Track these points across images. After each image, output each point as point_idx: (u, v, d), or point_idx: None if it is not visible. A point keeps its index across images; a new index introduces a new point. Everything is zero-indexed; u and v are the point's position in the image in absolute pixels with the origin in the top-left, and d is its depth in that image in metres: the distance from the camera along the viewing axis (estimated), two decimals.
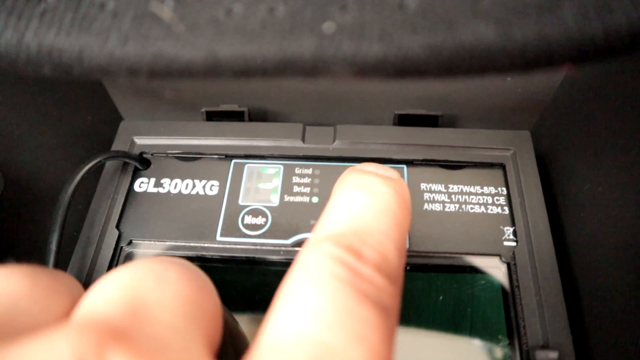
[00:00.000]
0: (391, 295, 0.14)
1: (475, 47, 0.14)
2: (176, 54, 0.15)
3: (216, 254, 0.28)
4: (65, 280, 0.13)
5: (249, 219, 0.29)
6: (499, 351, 0.25)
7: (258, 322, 0.26)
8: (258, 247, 0.28)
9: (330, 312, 0.12)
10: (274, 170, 0.31)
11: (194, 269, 0.14)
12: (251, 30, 0.15)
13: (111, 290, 0.12)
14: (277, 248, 0.28)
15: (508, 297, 0.26)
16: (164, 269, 0.13)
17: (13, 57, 0.16)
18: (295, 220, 0.29)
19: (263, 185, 0.30)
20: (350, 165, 0.30)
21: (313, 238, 0.15)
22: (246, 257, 0.28)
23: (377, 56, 0.15)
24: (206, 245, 0.28)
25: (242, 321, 0.26)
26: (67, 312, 0.12)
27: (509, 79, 0.31)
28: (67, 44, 0.16)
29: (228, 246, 0.28)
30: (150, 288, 0.12)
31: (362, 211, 0.16)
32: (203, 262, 0.28)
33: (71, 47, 0.16)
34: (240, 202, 0.30)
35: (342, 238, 0.14)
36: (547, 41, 0.14)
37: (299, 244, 0.28)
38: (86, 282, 0.27)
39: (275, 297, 0.13)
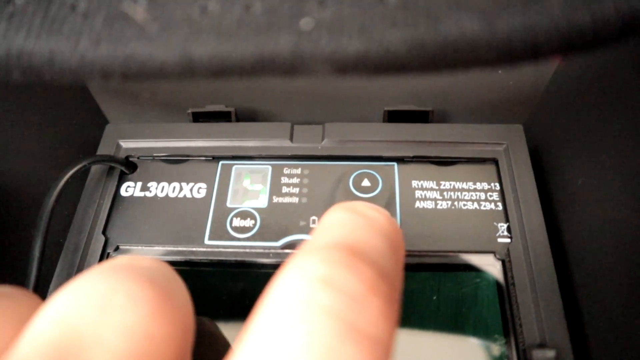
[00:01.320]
0: (387, 320, 0.12)
1: (459, 41, 0.14)
2: (149, 55, 0.15)
3: (204, 258, 0.27)
4: (10, 305, 0.13)
5: (237, 222, 0.28)
6: (495, 350, 0.24)
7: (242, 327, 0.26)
8: (247, 250, 0.27)
9: (308, 354, 0.11)
10: (262, 171, 0.30)
11: (152, 279, 0.13)
12: (227, 29, 0.15)
13: (46, 328, 0.11)
14: (267, 250, 0.27)
15: (503, 295, 0.26)
16: (110, 291, 0.12)
17: None
18: (285, 221, 0.28)
19: (251, 186, 0.30)
20: (340, 164, 0.30)
21: (298, 254, 0.13)
22: (235, 260, 0.27)
23: (358, 52, 0.14)
24: (194, 249, 0.28)
25: (230, 327, 0.25)
26: (8, 344, 0.12)
27: (500, 72, 0.31)
28: (37, 47, 0.15)
29: (216, 250, 0.27)
30: (89, 321, 0.11)
31: (357, 227, 0.14)
32: (191, 267, 0.27)
33: (41, 50, 0.15)
34: (229, 204, 0.29)
35: (331, 252, 0.13)
36: (533, 32, 0.14)
37: (289, 246, 0.27)
38: None
39: (246, 323, 0.12)
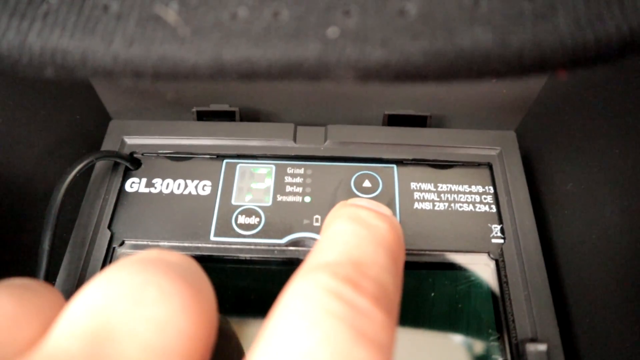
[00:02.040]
0: (389, 330, 0.13)
1: (473, 53, 0.15)
2: (181, 57, 0.16)
3: (210, 254, 0.28)
4: (34, 299, 0.13)
5: (242, 219, 0.29)
6: (489, 345, 0.26)
7: (252, 323, 0.26)
8: (252, 247, 0.28)
9: (324, 354, 0.11)
10: (266, 170, 0.31)
11: (182, 274, 0.13)
12: (256, 34, 0.15)
13: (80, 318, 0.11)
14: (272, 247, 0.28)
15: (497, 293, 0.27)
16: (142, 284, 0.12)
17: (15, 58, 0.16)
18: (289, 219, 0.29)
19: (255, 185, 0.31)
20: (342, 165, 0.31)
21: (306, 266, 0.15)
22: (240, 257, 0.28)
23: (380, 61, 0.15)
24: (200, 245, 0.28)
25: (237, 322, 0.26)
26: (36, 337, 0.12)
27: (494, 80, 0.32)
28: (71, 46, 0.16)
29: (222, 246, 0.28)
30: (122, 313, 0.11)
31: (360, 242, 0.15)
32: (197, 262, 0.28)
33: (75, 48, 0.16)
34: (233, 202, 0.30)
35: (339, 268, 0.14)
36: (541, 48, 0.15)
37: (293, 243, 0.28)
38: (78, 284, 0.27)
39: (263, 327, 0.13)
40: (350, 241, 0.16)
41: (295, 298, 0.13)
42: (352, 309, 0.13)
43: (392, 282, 0.15)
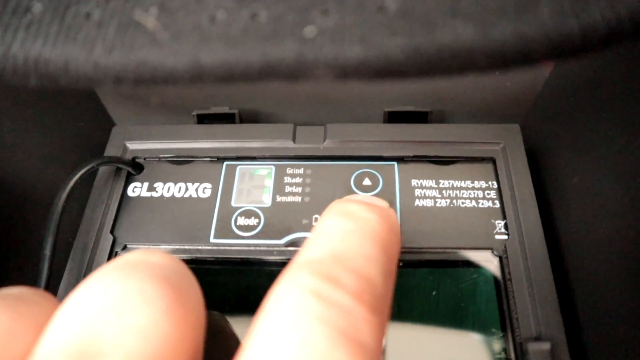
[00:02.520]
0: (373, 327, 0.13)
1: (454, 47, 0.15)
2: (160, 61, 0.16)
3: (210, 256, 0.28)
4: (29, 309, 0.13)
5: (241, 220, 0.29)
6: (492, 344, 0.25)
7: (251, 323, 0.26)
8: (252, 248, 0.28)
9: (301, 358, 0.11)
10: (265, 171, 0.31)
11: (164, 276, 0.13)
12: (234, 37, 0.15)
13: (64, 333, 0.11)
14: (271, 248, 0.28)
15: (501, 290, 0.26)
16: (124, 291, 0.12)
17: (0, 68, 0.16)
18: (288, 220, 0.29)
19: (255, 186, 0.31)
20: (342, 164, 0.31)
21: (289, 267, 0.14)
22: (240, 258, 0.28)
23: (358, 58, 0.15)
24: (200, 247, 0.28)
25: (237, 323, 0.26)
26: (29, 349, 0.12)
27: (497, 73, 0.32)
28: (53, 55, 0.16)
29: (222, 248, 0.28)
30: (106, 324, 0.11)
31: (344, 235, 0.15)
32: (197, 265, 0.28)
33: (57, 57, 0.16)
34: (233, 203, 0.30)
35: (319, 265, 0.14)
36: (525, 40, 0.14)
37: (292, 243, 0.28)
38: None
39: (247, 333, 0.13)
40: (334, 235, 0.15)
41: (275, 300, 0.13)
42: (331, 307, 0.12)
43: (379, 274, 0.14)
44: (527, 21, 0.14)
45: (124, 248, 0.29)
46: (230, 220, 0.29)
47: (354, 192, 0.30)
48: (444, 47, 0.15)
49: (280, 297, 0.13)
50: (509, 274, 0.26)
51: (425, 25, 0.15)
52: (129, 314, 0.12)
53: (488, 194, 0.30)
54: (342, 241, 0.15)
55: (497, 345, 0.25)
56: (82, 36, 0.16)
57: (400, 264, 0.27)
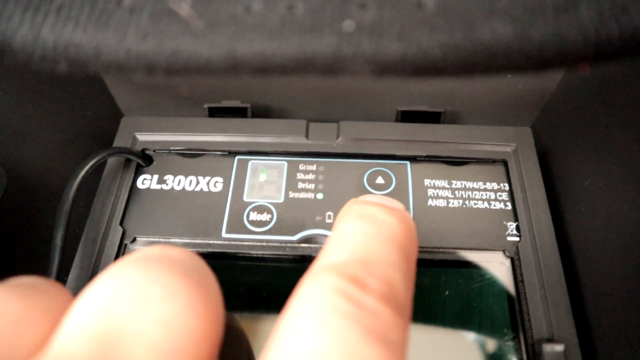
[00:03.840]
0: (399, 328, 0.13)
1: (493, 46, 0.15)
2: (195, 51, 0.15)
3: (222, 250, 0.28)
4: (42, 298, 0.12)
5: (254, 216, 0.29)
6: (505, 345, 0.25)
7: (264, 320, 0.26)
8: (264, 244, 0.28)
9: (333, 353, 0.11)
10: (278, 167, 0.31)
11: (186, 271, 0.13)
12: (271, 28, 0.15)
13: (86, 320, 0.11)
14: (284, 244, 0.28)
15: (512, 292, 0.27)
16: (147, 282, 0.12)
17: (29, 53, 0.16)
18: (301, 216, 0.29)
19: (267, 181, 0.30)
20: (355, 162, 0.31)
21: (314, 268, 0.14)
22: (252, 254, 0.28)
23: (397, 55, 0.15)
24: (212, 242, 0.28)
25: (247, 319, 0.26)
26: (45, 337, 0.12)
27: (509, 76, 0.32)
28: (84, 40, 0.16)
29: (234, 243, 0.28)
30: (127, 314, 0.11)
31: (368, 240, 0.15)
32: (209, 259, 0.28)
33: (88, 43, 0.16)
34: (245, 198, 0.30)
35: (346, 268, 0.14)
36: (563, 41, 0.14)
37: (305, 240, 0.28)
38: (91, 280, 0.27)
39: (274, 329, 0.13)
40: (357, 239, 0.15)
41: (304, 299, 0.13)
42: (360, 308, 0.13)
43: (401, 279, 0.14)
44: (566, 23, 0.14)
45: (134, 240, 0.29)
46: (243, 215, 0.29)
47: (367, 190, 0.30)
48: (482, 46, 0.15)
49: (309, 295, 0.13)
50: (521, 275, 0.27)
51: (464, 23, 0.15)
52: (153, 305, 0.11)
53: (500, 195, 0.30)
54: (366, 245, 0.15)
55: (510, 347, 0.25)
56: (114, 22, 0.16)
57: None
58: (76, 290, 0.27)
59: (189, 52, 0.15)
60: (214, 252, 0.28)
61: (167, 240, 0.28)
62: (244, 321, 0.26)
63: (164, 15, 0.15)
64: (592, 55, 0.14)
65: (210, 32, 0.15)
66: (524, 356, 0.25)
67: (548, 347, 0.23)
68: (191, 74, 0.16)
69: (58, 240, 0.25)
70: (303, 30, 0.15)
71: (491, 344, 0.25)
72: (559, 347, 0.23)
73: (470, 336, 0.26)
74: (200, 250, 0.28)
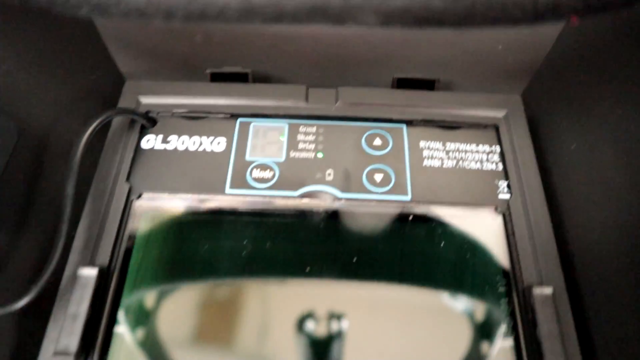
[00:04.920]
0: None
1: None
2: None
3: (226, 205, 0.29)
4: None
5: (257, 173, 0.30)
6: (498, 291, 0.27)
7: (267, 274, 0.27)
8: (267, 199, 0.29)
9: None
10: (279, 128, 0.32)
11: None
12: None
13: None
14: (286, 199, 0.29)
15: (504, 244, 0.28)
16: None
17: None
18: (302, 173, 0.30)
19: (269, 141, 0.31)
20: (353, 125, 0.32)
21: None
22: (255, 208, 0.29)
23: (401, 6, 0.16)
24: (216, 197, 0.29)
25: (251, 271, 0.27)
26: None
27: (500, 47, 0.33)
28: None
29: (237, 198, 0.29)
30: None
31: None
32: (213, 214, 0.29)
33: None
34: (248, 157, 0.31)
35: None
36: None
37: (306, 195, 0.29)
38: (98, 235, 0.28)
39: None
40: None
41: None
42: None
43: None
44: None
45: (140, 196, 0.30)
46: (246, 172, 0.30)
47: (364, 151, 0.31)
48: None
49: None
50: (512, 229, 0.28)
51: None
52: None
53: (491, 157, 0.31)
54: None
55: (502, 292, 0.27)
56: None
57: (410, 218, 0.29)
58: (85, 243, 0.28)
59: None
60: (218, 208, 0.29)
61: (173, 195, 0.29)
62: (245, 276, 0.27)
63: None
64: (582, 7, 0.16)
65: None
66: (515, 301, 0.26)
67: (538, 290, 0.25)
68: (207, 21, 0.17)
69: (69, 190, 0.26)
70: None
71: (485, 292, 0.27)
72: (547, 290, 0.25)
73: (465, 285, 0.27)
74: (205, 205, 0.29)
